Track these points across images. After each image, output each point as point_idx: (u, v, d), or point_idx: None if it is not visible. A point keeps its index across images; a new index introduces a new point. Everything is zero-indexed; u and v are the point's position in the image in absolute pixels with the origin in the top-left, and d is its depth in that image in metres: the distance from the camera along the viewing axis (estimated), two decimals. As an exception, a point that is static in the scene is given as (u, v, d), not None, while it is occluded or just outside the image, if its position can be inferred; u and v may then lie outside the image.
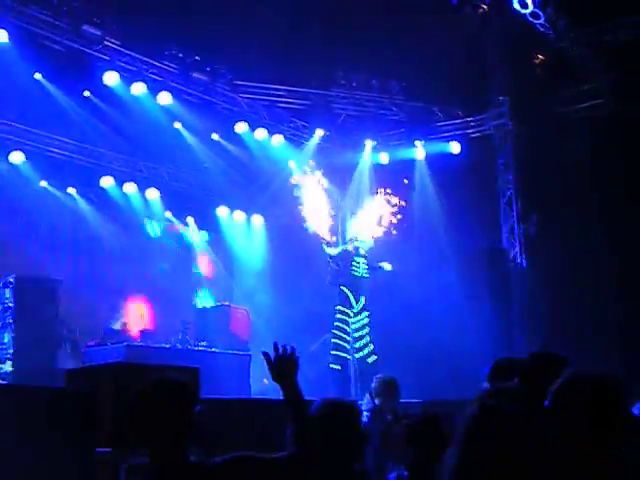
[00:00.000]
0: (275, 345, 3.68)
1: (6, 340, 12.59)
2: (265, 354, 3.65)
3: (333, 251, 13.48)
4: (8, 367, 12.26)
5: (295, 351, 3.69)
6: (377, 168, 14.69)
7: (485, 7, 13.47)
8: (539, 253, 14.52)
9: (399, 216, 13.96)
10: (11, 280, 12.85)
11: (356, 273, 13.40)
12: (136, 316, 14.76)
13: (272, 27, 13.74)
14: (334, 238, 13.82)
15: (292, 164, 15.36)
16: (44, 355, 12.28)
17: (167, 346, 13.58)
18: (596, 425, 2.57)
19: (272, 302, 16.73)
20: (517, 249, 14.88)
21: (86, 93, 13.93)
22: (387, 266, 13.74)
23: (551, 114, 14.65)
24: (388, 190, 14.04)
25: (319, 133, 16.33)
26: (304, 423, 3.54)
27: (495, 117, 15.36)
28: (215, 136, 16.26)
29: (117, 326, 14.32)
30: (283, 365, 3.64)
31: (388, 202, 13.97)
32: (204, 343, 14.12)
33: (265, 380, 13.75)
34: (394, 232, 13.96)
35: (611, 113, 14.00)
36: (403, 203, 14.00)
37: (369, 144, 16.38)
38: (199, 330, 15.04)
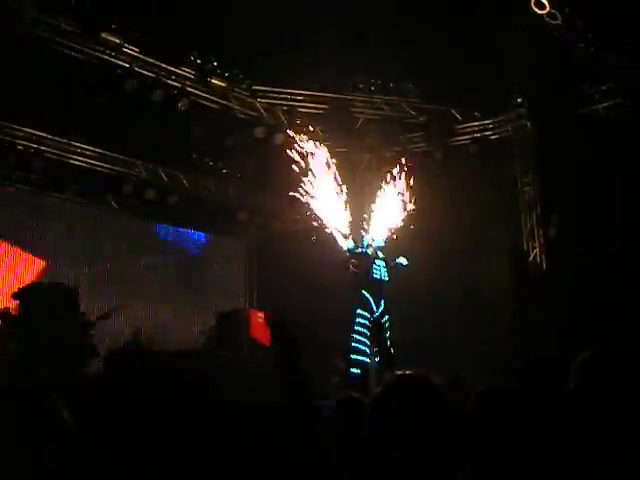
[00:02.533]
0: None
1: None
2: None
3: (350, 244, 13.43)
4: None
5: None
6: (394, 169, 14.59)
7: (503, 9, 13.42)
8: (560, 254, 14.46)
9: (414, 217, 13.88)
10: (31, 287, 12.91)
11: (376, 276, 13.37)
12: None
13: (290, 31, 13.75)
14: (349, 234, 13.74)
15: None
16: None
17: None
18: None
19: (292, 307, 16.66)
20: (537, 250, 14.82)
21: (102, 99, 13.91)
22: (403, 261, 13.65)
23: (571, 114, 14.60)
24: (406, 191, 13.99)
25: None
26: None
27: (514, 119, 15.33)
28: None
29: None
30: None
31: (405, 203, 13.92)
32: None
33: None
34: (411, 232, 13.89)
35: (632, 112, 13.92)
36: (416, 205, 13.94)
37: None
38: (220, 334, 15.08)
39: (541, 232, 14.87)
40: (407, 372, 2.61)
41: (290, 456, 3.42)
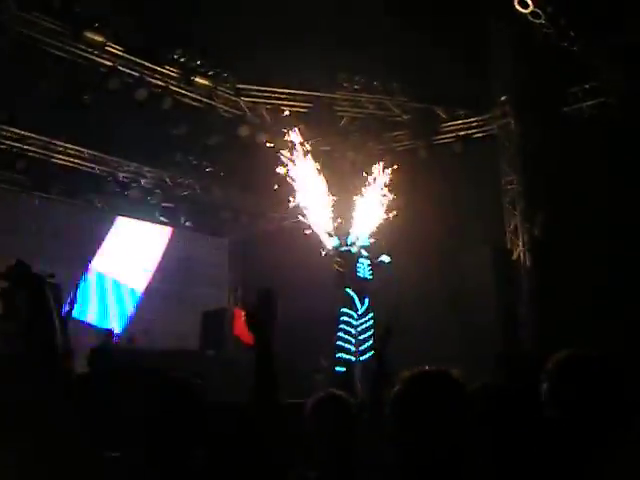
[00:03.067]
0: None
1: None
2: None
3: (334, 242, 13.44)
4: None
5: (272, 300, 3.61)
6: (378, 167, 14.58)
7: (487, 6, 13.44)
8: (544, 253, 14.50)
9: (398, 214, 13.89)
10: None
11: (360, 275, 13.38)
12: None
13: (274, 30, 13.73)
14: (333, 231, 13.73)
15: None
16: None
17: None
18: None
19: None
20: (521, 248, 14.87)
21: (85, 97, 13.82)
22: (386, 258, 13.67)
23: (555, 113, 14.64)
24: (389, 188, 14.00)
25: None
26: (266, 378, 3.49)
27: (499, 117, 15.36)
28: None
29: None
30: (262, 313, 3.53)
31: (388, 199, 13.93)
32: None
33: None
34: (394, 230, 13.91)
35: (616, 111, 13.98)
36: (400, 203, 13.95)
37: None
38: (205, 334, 15.09)
39: (525, 230, 14.89)
40: (427, 367, 2.60)
41: (258, 452, 3.41)
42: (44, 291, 3.28)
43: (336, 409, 4.11)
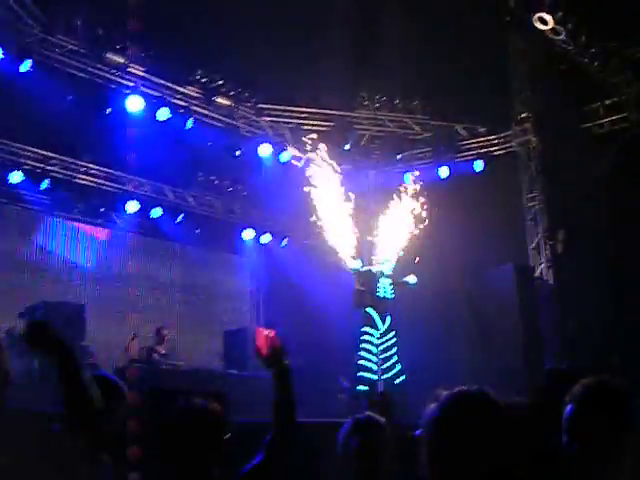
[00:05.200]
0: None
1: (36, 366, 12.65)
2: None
3: (357, 264, 13.42)
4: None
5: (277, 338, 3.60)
6: (400, 186, 14.59)
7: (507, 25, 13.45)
8: (566, 269, 14.44)
9: (420, 234, 13.87)
10: (40, 304, 13.00)
11: (380, 294, 13.34)
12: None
13: (295, 50, 13.81)
14: (356, 254, 13.72)
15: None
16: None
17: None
18: None
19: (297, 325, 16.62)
20: (543, 265, 14.81)
21: (108, 110, 13.88)
22: (412, 279, 13.64)
23: (576, 129, 14.62)
24: (412, 207, 14.00)
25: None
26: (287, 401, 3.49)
27: (519, 134, 15.34)
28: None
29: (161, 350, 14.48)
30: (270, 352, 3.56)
31: (411, 218, 13.92)
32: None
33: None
34: (417, 249, 13.89)
35: (636, 126, 13.95)
36: (426, 220, 13.93)
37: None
38: (228, 353, 15.11)
39: (547, 247, 14.84)
40: (464, 388, 2.57)
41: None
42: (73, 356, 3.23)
43: (373, 432, 4.11)
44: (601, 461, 2.71)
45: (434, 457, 2.47)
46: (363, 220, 14.39)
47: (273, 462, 3.42)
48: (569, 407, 2.85)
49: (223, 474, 3.46)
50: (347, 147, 16.28)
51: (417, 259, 13.47)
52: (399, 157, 16.64)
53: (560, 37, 12.51)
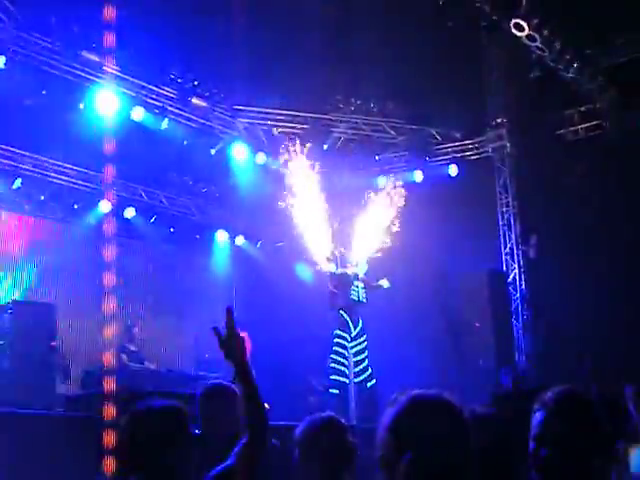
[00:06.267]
0: (215, 329, 3.42)
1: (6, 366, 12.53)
2: (215, 331, 3.39)
3: (333, 268, 13.44)
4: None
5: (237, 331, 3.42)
6: (374, 190, 14.63)
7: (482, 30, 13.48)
8: (539, 275, 14.50)
9: (394, 237, 13.91)
10: (9, 304, 12.90)
11: (354, 297, 13.34)
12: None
13: (271, 51, 13.78)
14: (331, 256, 13.72)
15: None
16: (43, 381, 12.17)
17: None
18: None
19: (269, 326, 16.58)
20: (516, 271, 14.87)
21: (81, 106, 13.79)
22: (385, 283, 13.66)
23: (550, 135, 14.70)
24: (384, 211, 14.04)
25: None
26: (255, 403, 3.45)
27: (494, 139, 15.38)
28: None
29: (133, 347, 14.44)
30: (231, 343, 3.39)
31: (384, 222, 13.96)
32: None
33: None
34: (389, 253, 13.91)
35: (609, 133, 14.04)
36: (397, 224, 13.97)
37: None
38: (199, 354, 15.09)
39: (520, 252, 14.90)
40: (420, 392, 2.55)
41: None
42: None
43: (330, 434, 4.04)
44: (571, 464, 2.74)
45: (389, 460, 2.46)
46: (338, 222, 14.42)
47: (243, 466, 3.38)
48: (539, 414, 2.87)
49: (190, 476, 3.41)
50: (325, 147, 16.25)
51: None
52: (377, 159, 16.62)
53: (535, 43, 12.54)
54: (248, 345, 3.50)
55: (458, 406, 2.42)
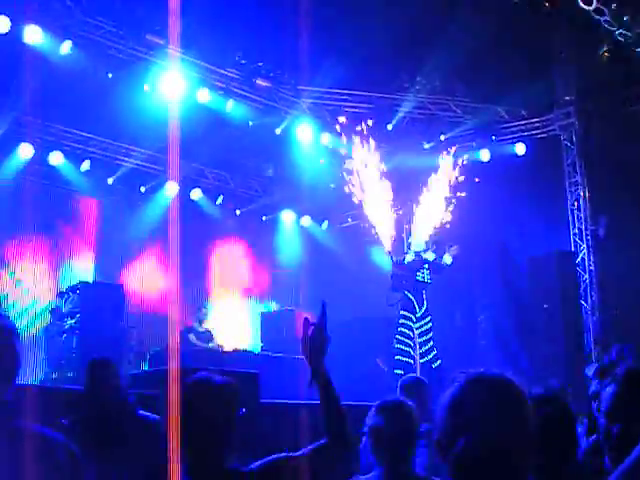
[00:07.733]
0: (306, 321, 3.31)
1: (74, 345, 12.79)
2: (306, 323, 3.29)
3: (399, 251, 13.41)
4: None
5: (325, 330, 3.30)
6: (440, 169, 14.48)
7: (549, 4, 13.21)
8: (609, 255, 14.24)
9: (460, 217, 13.77)
10: (77, 285, 13.17)
11: (419, 278, 13.27)
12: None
13: (335, 32, 13.73)
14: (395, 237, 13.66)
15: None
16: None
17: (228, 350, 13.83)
18: None
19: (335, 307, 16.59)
20: (585, 251, 14.61)
21: (146, 87, 13.94)
22: (448, 259, 13.50)
23: (619, 113, 14.36)
24: (450, 191, 13.91)
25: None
26: (334, 408, 3.35)
27: (562, 117, 15.11)
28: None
29: (201, 328, 14.65)
30: (315, 343, 3.28)
31: (450, 201, 13.83)
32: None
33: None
34: (455, 234, 13.78)
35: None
36: (466, 204, 13.81)
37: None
38: (264, 335, 15.20)
39: (589, 232, 14.63)
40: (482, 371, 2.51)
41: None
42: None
43: (401, 418, 4.04)
44: None
45: (448, 438, 2.41)
46: (402, 202, 14.34)
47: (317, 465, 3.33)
48: (610, 388, 2.91)
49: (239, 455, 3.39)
50: (389, 127, 16.14)
51: (454, 248, 13.37)
52: (443, 138, 16.42)
53: (604, 17, 12.25)
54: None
55: (520, 386, 2.37)
